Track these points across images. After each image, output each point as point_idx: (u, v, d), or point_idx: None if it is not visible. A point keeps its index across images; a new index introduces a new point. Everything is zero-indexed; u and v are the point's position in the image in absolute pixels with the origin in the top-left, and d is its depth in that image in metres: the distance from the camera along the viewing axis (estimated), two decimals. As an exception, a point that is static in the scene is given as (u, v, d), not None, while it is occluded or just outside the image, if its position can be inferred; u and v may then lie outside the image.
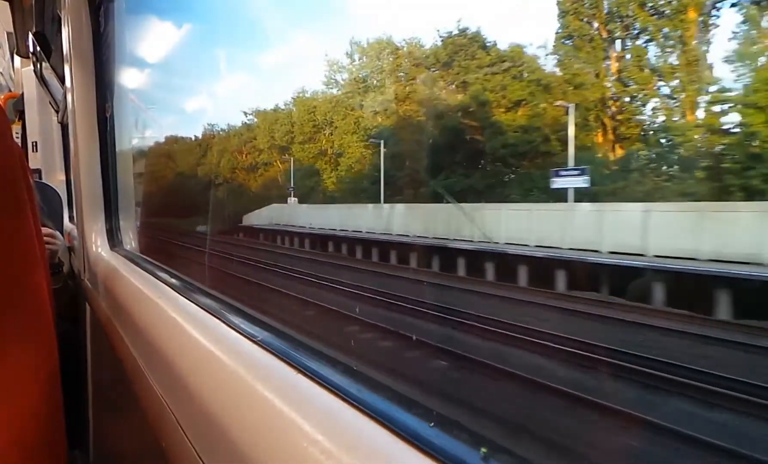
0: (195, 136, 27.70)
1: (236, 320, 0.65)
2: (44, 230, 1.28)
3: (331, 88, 25.49)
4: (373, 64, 23.21)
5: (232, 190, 26.31)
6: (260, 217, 22.55)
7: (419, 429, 0.36)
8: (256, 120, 28.24)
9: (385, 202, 17.41)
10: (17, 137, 3.13)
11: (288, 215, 21.19)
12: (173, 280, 0.99)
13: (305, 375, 0.46)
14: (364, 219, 16.31)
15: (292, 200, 22.11)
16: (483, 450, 0.34)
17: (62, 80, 1.96)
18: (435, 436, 0.35)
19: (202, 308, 0.73)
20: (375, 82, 23.31)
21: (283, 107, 27.32)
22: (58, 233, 1.66)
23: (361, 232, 15.79)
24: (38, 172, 3.11)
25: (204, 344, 0.62)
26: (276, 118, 27.05)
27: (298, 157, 25.14)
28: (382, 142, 17.91)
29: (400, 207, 16.04)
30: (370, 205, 17.49)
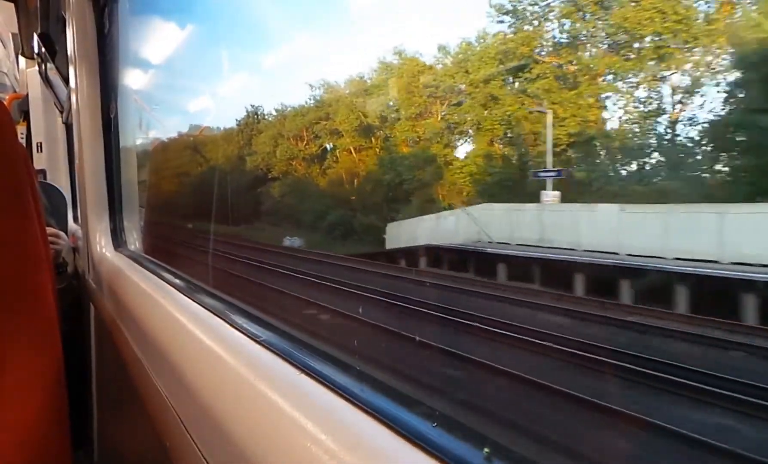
0: (236, 119, 20.72)
1: (240, 320, 0.65)
2: (49, 230, 1.28)
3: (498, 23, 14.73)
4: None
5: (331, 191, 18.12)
6: (437, 231, 12.09)
7: (422, 429, 0.36)
8: (325, 94, 19.54)
9: None
10: (22, 138, 3.14)
11: (544, 227, 10.32)
12: (177, 281, 0.99)
13: (308, 374, 0.46)
14: None
15: (550, 196, 11.49)
16: (486, 450, 0.34)
17: (67, 81, 1.96)
18: (438, 436, 0.35)
19: (205, 308, 0.73)
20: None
21: (366, 76, 18.44)
22: (62, 233, 1.67)
23: None
24: (43, 172, 3.12)
25: (208, 344, 0.62)
26: (364, 88, 18.50)
27: (396, 140, 17.01)
28: None
29: None
30: None
